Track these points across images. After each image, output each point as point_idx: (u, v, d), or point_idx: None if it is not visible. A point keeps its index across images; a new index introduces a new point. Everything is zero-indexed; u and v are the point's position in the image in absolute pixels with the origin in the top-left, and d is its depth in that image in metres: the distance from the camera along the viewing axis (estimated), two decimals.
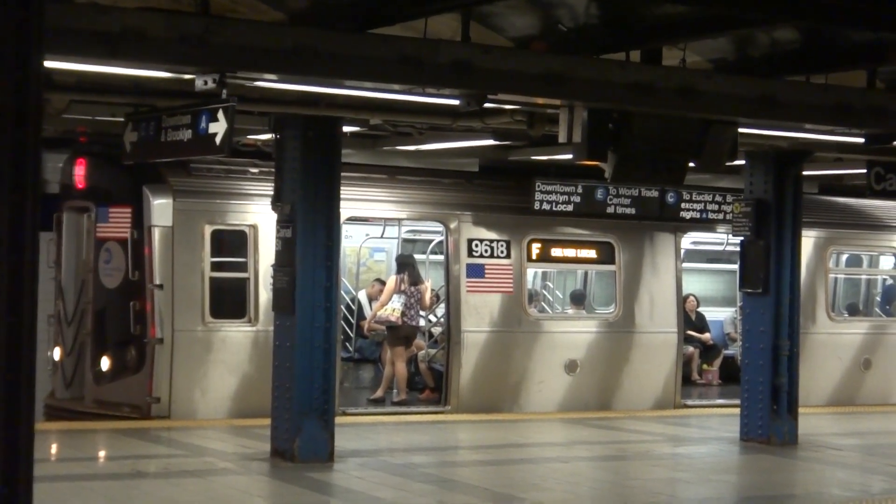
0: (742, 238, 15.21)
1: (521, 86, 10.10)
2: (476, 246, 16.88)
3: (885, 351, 19.86)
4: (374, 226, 19.39)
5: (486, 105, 10.71)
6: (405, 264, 17.59)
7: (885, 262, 21.87)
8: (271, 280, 13.37)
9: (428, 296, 17.44)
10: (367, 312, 18.66)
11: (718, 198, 18.44)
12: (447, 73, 9.62)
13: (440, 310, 17.87)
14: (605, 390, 17.72)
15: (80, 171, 16.29)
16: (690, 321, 20.51)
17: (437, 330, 18.12)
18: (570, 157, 11.62)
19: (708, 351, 21.19)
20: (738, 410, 15.37)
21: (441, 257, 17.65)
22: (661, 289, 18.18)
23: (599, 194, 17.53)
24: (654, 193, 17.94)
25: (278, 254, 12.87)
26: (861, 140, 13.07)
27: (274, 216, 12.96)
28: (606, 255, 18.06)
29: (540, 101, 11.37)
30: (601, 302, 20.49)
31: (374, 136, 16.45)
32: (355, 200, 15.65)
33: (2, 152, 4.03)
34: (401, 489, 11.41)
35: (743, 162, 15.05)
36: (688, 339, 19.84)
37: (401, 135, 16.16)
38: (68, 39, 8.36)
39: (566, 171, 17.28)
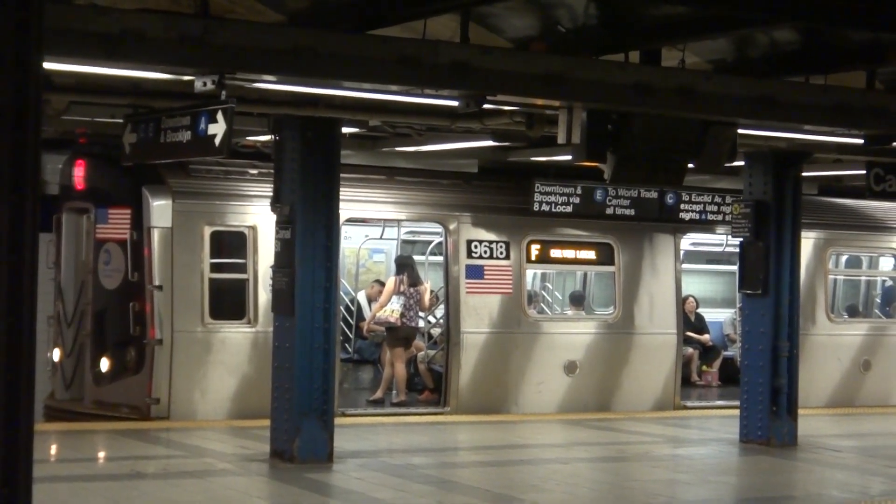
0: (741, 239, 15.21)
1: (520, 87, 10.10)
2: (475, 247, 16.88)
3: (884, 352, 19.86)
4: (374, 227, 19.39)
5: (486, 106, 10.71)
6: (404, 265, 17.59)
7: (885, 264, 21.86)
8: (271, 281, 13.37)
9: (427, 297, 17.44)
10: (367, 313, 18.66)
11: (718, 199, 18.44)
12: (446, 73, 9.63)
13: (439, 311, 17.87)
14: (604, 391, 17.71)
15: (79, 173, 16.30)
16: (690, 322, 20.51)
17: (436, 331, 18.12)
18: (569, 158, 11.63)
19: (707, 352, 21.19)
20: (737, 412, 15.36)
21: (440, 258, 17.65)
22: (660, 290, 18.18)
23: (599, 195, 17.53)
24: (654, 194, 17.94)
25: (277, 255, 12.87)
26: (860, 141, 13.07)
27: (273, 217, 12.96)
28: (606, 257, 18.06)
29: (539, 101, 11.37)
30: (600, 303, 20.49)
31: (374, 138, 16.46)
32: (354, 201, 15.65)
33: (1, 153, 4.04)
34: (400, 490, 11.41)
35: (742, 163, 15.05)
36: (687, 341, 19.83)
37: (400, 136, 16.16)
38: (67, 40, 8.36)
39: (565, 172, 17.28)
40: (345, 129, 13.68)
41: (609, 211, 17.65)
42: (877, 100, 11.77)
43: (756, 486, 12.77)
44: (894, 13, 9.64)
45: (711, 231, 19.15)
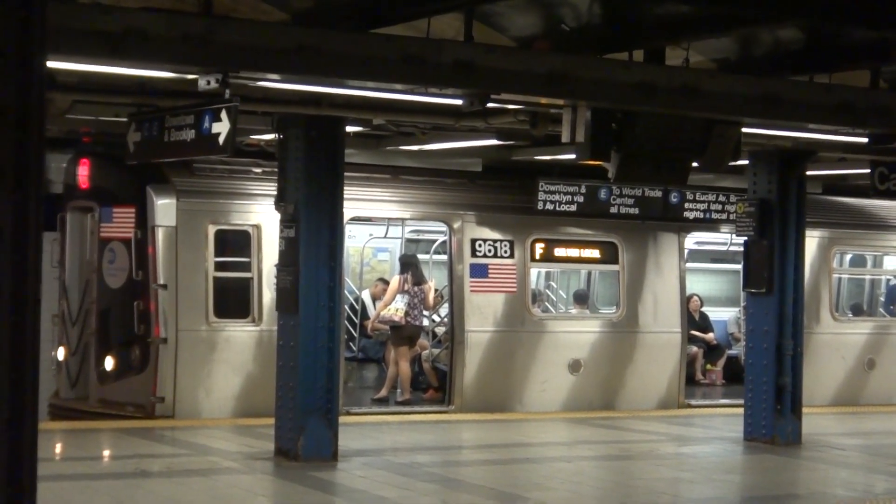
0: (746, 238, 15.20)
1: (524, 85, 10.10)
2: (479, 246, 16.89)
3: (888, 351, 19.85)
4: (378, 226, 19.39)
5: (489, 105, 10.71)
6: (409, 264, 17.59)
7: (889, 262, 21.85)
8: (275, 280, 13.37)
9: (431, 296, 17.45)
10: (371, 312, 18.66)
11: (722, 198, 18.43)
12: (450, 72, 9.63)
13: (444, 309, 17.87)
14: (608, 390, 17.72)
15: (83, 172, 16.31)
16: (694, 321, 20.50)
17: (440, 330, 18.13)
18: (573, 156, 11.64)
19: (712, 351, 21.19)
20: (741, 410, 15.36)
21: (444, 257, 17.64)
22: (664, 289, 18.18)
23: (603, 194, 17.53)
24: (658, 193, 17.93)
25: (282, 253, 12.87)
26: (865, 140, 13.06)
27: (277, 216, 12.96)
28: (610, 255, 18.06)
29: (543, 100, 11.37)
30: (605, 302, 20.49)
31: (378, 136, 16.46)
32: (359, 200, 15.66)
33: (4, 152, 4.04)
34: (405, 488, 11.41)
35: (746, 162, 15.04)
36: (691, 339, 19.83)
37: (404, 135, 16.16)
38: (71, 39, 8.37)
39: (570, 170, 17.28)
40: (349, 128, 13.68)
41: (613, 210, 17.64)
42: (881, 98, 11.76)
43: (760, 485, 12.77)
44: None
45: (716, 230, 19.14)
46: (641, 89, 10.37)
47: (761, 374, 14.98)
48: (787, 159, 14.99)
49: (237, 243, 15.71)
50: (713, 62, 11.56)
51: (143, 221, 15.37)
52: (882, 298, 22.06)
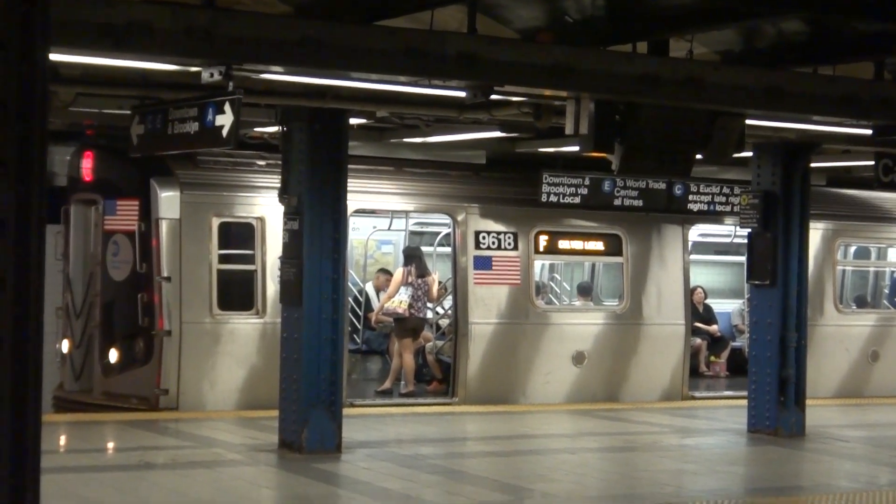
0: (750, 230, 15.20)
1: (527, 77, 10.09)
2: (483, 238, 16.89)
3: (893, 343, 19.85)
4: (382, 218, 19.39)
5: (493, 97, 10.69)
6: (412, 256, 17.60)
7: (894, 255, 21.84)
8: (279, 272, 13.38)
9: (435, 288, 17.47)
10: (375, 304, 18.67)
11: (726, 190, 18.41)
12: (453, 65, 9.62)
13: (447, 302, 17.88)
14: (612, 382, 17.72)
15: (87, 164, 16.32)
16: (698, 313, 20.50)
17: (444, 322, 18.14)
18: (576, 148, 11.62)
19: (715, 343, 21.19)
20: (745, 402, 15.37)
21: (448, 249, 17.65)
22: (668, 281, 18.18)
23: (607, 186, 17.52)
24: (662, 185, 17.92)
25: (285, 246, 12.88)
26: (869, 132, 13.05)
27: (281, 208, 12.97)
28: (614, 247, 18.05)
29: (547, 92, 11.36)
30: (608, 294, 20.50)
31: (381, 129, 16.45)
32: (362, 193, 15.66)
33: (7, 145, 4.04)
34: (408, 480, 11.43)
35: (750, 154, 15.04)
36: (695, 331, 19.84)
37: (407, 127, 16.16)
38: (74, 32, 8.36)
39: (573, 163, 17.27)
40: (352, 121, 13.69)
41: (617, 202, 17.64)
42: (885, 90, 11.74)
43: (764, 476, 12.77)
44: None
45: (720, 222, 19.13)
46: (645, 81, 10.36)
47: (765, 366, 14.99)
48: (791, 151, 14.98)
49: (241, 236, 15.72)
50: (717, 54, 11.55)
51: (147, 214, 15.38)
52: (886, 290, 22.05)
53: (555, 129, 13.46)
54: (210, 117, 10.51)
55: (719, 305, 22.00)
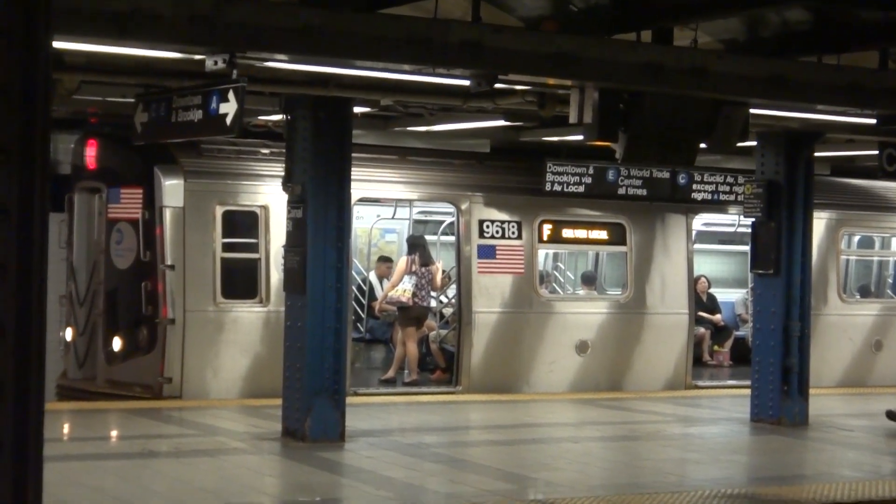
0: (753, 219, 15.19)
1: (531, 66, 10.08)
2: (487, 227, 16.88)
3: None
4: (386, 207, 19.39)
5: (497, 86, 10.68)
6: (416, 245, 17.59)
7: None
8: (282, 261, 13.38)
9: (439, 277, 17.47)
10: (379, 293, 18.68)
11: (730, 179, 18.39)
12: (457, 53, 9.61)
13: (451, 291, 17.88)
14: (615, 371, 17.73)
15: (91, 152, 16.32)
16: (701, 302, 20.50)
17: (448, 311, 18.14)
18: (580, 137, 11.61)
19: (719, 332, 21.18)
20: (748, 391, 15.37)
21: (452, 238, 17.65)
22: (672, 270, 18.17)
23: (611, 175, 17.50)
24: (666, 175, 17.90)
25: (289, 234, 12.88)
26: (873, 121, 13.03)
27: (285, 197, 12.97)
28: (618, 237, 18.04)
29: (551, 81, 11.35)
30: (612, 283, 20.49)
31: (385, 117, 16.45)
32: (366, 181, 15.65)
33: (10, 132, 4.05)
34: (412, 469, 11.43)
35: (754, 143, 15.02)
36: (699, 321, 19.83)
37: (412, 116, 16.15)
38: (78, 19, 8.36)
39: (577, 151, 17.25)
40: (356, 109, 13.67)
41: (621, 191, 17.62)
42: (890, 79, 11.72)
43: (767, 466, 12.77)
44: None
45: (723, 211, 19.12)
46: (649, 70, 10.35)
47: (768, 356, 14.98)
48: (795, 140, 14.96)
49: (245, 224, 15.71)
50: (721, 43, 11.53)
51: (151, 202, 15.38)
52: (890, 280, 22.02)
53: (559, 118, 13.45)
54: (214, 105, 10.50)
55: (723, 295, 21.99)
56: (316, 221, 12.58)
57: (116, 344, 15.73)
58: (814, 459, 13.40)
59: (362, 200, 16.44)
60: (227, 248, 15.53)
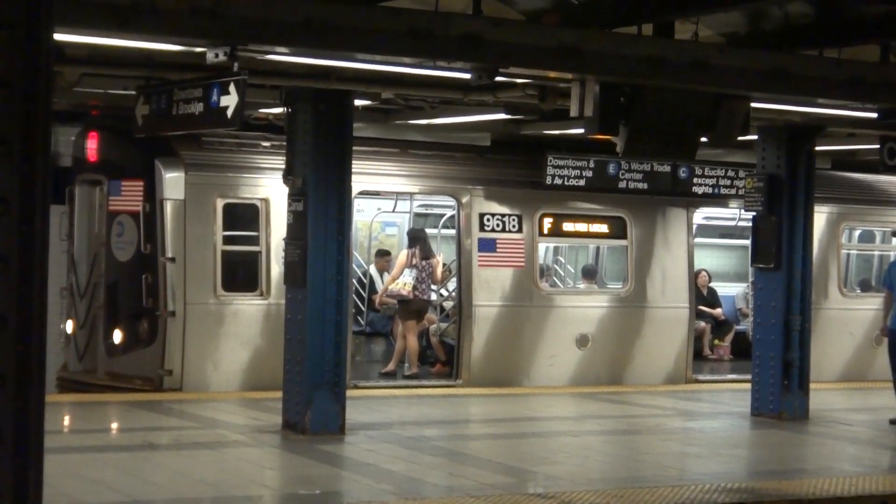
0: (754, 213, 15.18)
1: (532, 59, 10.07)
2: (488, 220, 16.88)
3: None
4: (386, 200, 19.39)
5: (498, 79, 10.68)
6: (417, 238, 17.60)
7: None
8: (283, 253, 13.39)
9: (439, 270, 17.47)
10: (379, 286, 18.68)
11: (731, 173, 18.40)
12: (458, 46, 9.60)
13: (451, 284, 17.88)
14: (616, 365, 17.73)
15: (92, 145, 16.32)
16: (702, 296, 20.50)
17: (448, 304, 18.14)
18: (581, 131, 11.61)
19: (719, 326, 21.19)
20: (749, 385, 15.38)
21: (453, 231, 17.65)
22: (672, 264, 18.17)
23: (611, 169, 17.50)
24: (667, 168, 17.91)
25: (290, 227, 12.88)
26: (874, 115, 13.02)
27: (285, 190, 12.97)
28: (618, 230, 18.04)
29: (552, 74, 11.34)
30: (613, 277, 20.49)
31: (386, 110, 16.44)
32: (367, 174, 15.65)
33: (12, 124, 4.04)
34: (412, 462, 11.44)
35: (755, 137, 15.01)
36: (699, 315, 19.83)
37: (412, 109, 16.14)
38: (79, 11, 8.35)
39: (578, 145, 17.25)
40: (357, 102, 13.67)
41: (622, 185, 17.62)
42: (891, 73, 11.70)
43: (767, 460, 12.78)
44: None
45: (724, 205, 19.11)
46: (650, 63, 10.34)
47: (769, 350, 14.99)
48: (796, 134, 14.96)
49: (245, 217, 15.72)
50: (722, 36, 11.52)
51: (152, 195, 15.39)
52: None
53: (560, 112, 13.44)
54: (215, 98, 10.50)
55: (723, 289, 22.00)
56: (316, 214, 12.58)
57: (117, 336, 15.74)
58: (814, 454, 13.40)
59: (363, 193, 16.44)
60: (227, 240, 15.54)
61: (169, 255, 15.17)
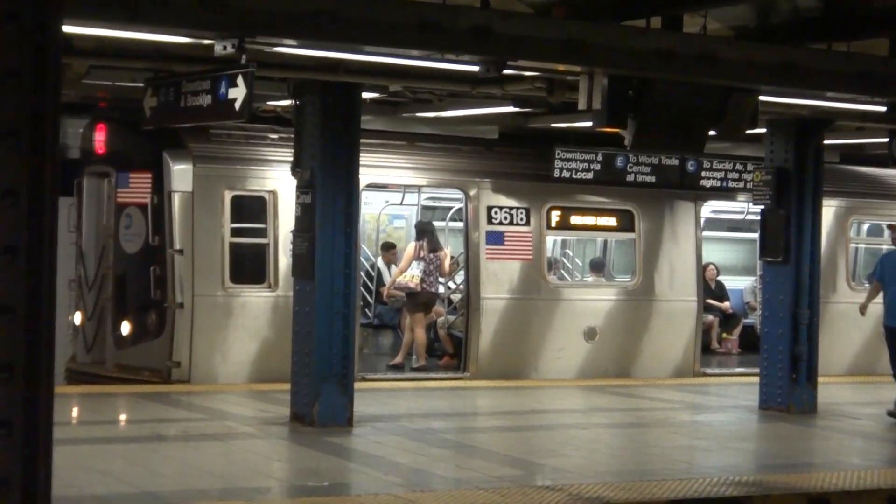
0: (762, 207, 15.17)
1: (540, 52, 10.07)
2: (495, 213, 16.88)
3: None
4: (394, 192, 19.40)
5: (506, 72, 10.67)
6: (424, 231, 17.60)
7: None
8: (291, 246, 13.39)
9: (447, 263, 17.47)
10: (387, 279, 18.68)
11: (739, 166, 18.37)
12: (466, 38, 9.60)
13: (459, 277, 17.88)
14: (624, 358, 17.73)
15: (100, 137, 16.33)
16: (710, 290, 20.49)
17: (456, 297, 18.14)
18: (589, 124, 11.60)
19: (727, 320, 21.18)
20: (757, 379, 15.36)
21: (460, 224, 17.65)
22: (680, 257, 18.16)
23: (619, 162, 17.49)
24: (675, 161, 17.89)
25: (298, 219, 12.88)
26: (883, 109, 13.00)
27: (293, 182, 12.97)
28: (626, 223, 18.03)
29: (560, 67, 11.33)
30: (621, 270, 20.48)
31: (394, 103, 16.44)
32: (375, 167, 15.65)
33: (21, 116, 4.05)
34: (419, 454, 11.45)
35: (764, 130, 14.99)
36: (707, 308, 19.82)
37: (420, 101, 16.14)
38: (88, 3, 8.36)
39: (586, 138, 17.24)
40: (365, 95, 13.67)
41: (630, 178, 17.61)
42: None
43: (775, 453, 12.78)
44: None
45: (732, 198, 19.09)
46: (659, 57, 10.33)
47: (777, 343, 14.98)
48: (805, 128, 14.94)
49: (253, 209, 15.73)
50: (731, 30, 11.50)
51: (160, 187, 15.40)
52: None
53: (568, 105, 13.43)
54: (223, 90, 10.51)
55: (731, 282, 21.99)
56: (324, 207, 12.59)
57: (125, 328, 15.77)
58: (822, 447, 13.39)
59: (371, 186, 16.43)
60: (235, 232, 15.55)
61: (177, 246, 15.18)
